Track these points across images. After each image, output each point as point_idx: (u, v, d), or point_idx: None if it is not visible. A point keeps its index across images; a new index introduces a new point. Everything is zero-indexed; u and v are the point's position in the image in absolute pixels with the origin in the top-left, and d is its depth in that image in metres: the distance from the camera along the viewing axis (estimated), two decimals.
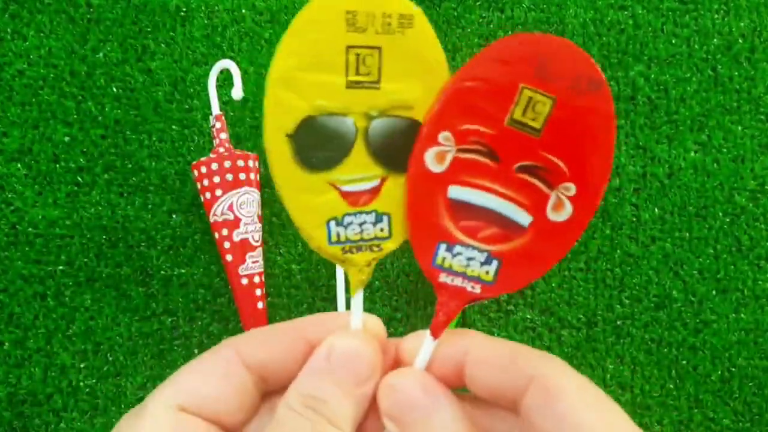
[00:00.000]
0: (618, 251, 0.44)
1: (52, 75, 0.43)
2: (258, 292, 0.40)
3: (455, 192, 0.23)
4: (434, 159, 0.23)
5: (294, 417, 0.21)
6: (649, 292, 0.43)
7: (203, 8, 0.44)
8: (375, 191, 0.23)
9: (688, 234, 0.44)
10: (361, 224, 0.23)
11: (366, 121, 0.22)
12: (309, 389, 0.22)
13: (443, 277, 0.23)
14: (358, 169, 0.23)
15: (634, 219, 0.44)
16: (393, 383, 0.22)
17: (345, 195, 0.23)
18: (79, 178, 0.42)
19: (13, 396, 0.41)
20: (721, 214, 0.44)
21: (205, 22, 0.44)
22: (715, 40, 0.45)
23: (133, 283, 0.42)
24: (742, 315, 0.43)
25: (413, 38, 0.22)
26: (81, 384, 0.41)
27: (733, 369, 0.43)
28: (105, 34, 0.43)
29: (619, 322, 0.43)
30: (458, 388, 0.23)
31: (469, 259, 0.23)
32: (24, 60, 0.43)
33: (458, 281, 0.23)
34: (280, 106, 0.22)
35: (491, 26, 0.44)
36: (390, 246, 0.23)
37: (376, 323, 0.24)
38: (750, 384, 0.43)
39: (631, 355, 0.43)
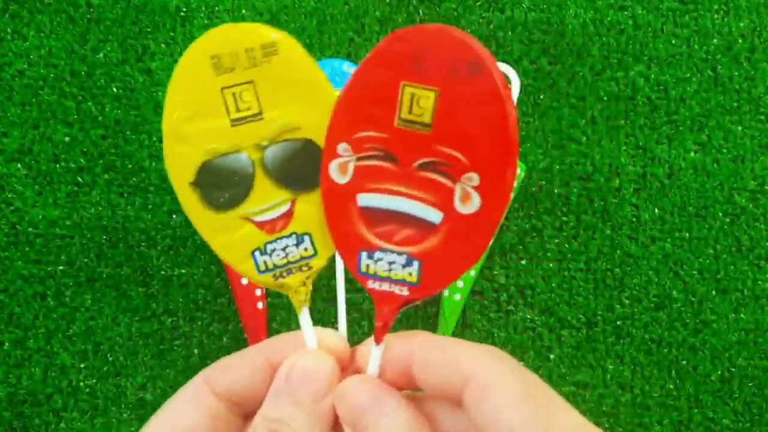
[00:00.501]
0: (618, 251, 0.44)
1: (52, 75, 0.43)
2: (258, 292, 0.40)
3: (364, 200, 0.24)
4: (338, 171, 0.23)
5: None
6: (649, 292, 0.43)
7: (203, 8, 0.44)
8: (288, 215, 0.24)
9: (688, 234, 0.44)
10: (284, 249, 0.24)
11: (259, 152, 0.23)
12: (271, 412, 0.23)
13: (371, 284, 0.24)
14: (266, 199, 0.24)
15: (634, 219, 0.44)
16: (343, 391, 0.23)
17: (260, 225, 0.24)
18: (80, 178, 0.42)
19: (13, 396, 0.41)
20: (721, 214, 0.44)
21: (206, 22, 0.44)
22: (715, 40, 0.45)
23: (133, 284, 0.42)
24: (742, 315, 0.43)
25: (282, 63, 0.23)
26: (81, 384, 0.41)
27: (733, 369, 0.43)
28: (105, 35, 0.43)
29: (619, 323, 0.43)
30: (413, 389, 0.24)
31: (390, 263, 0.24)
32: (24, 60, 0.43)
33: (386, 286, 0.24)
34: (176, 158, 0.23)
35: (491, 26, 0.44)
36: (318, 263, 0.24)
37: (333, 338, 0.24)
38: (750, 384, 0.43)
39: (631, 356, 0.43)
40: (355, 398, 0.23)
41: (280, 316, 0.42)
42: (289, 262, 0.24)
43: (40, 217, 0.42)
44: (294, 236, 0.24)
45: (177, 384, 0.41)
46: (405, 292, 0.24)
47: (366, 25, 0.44)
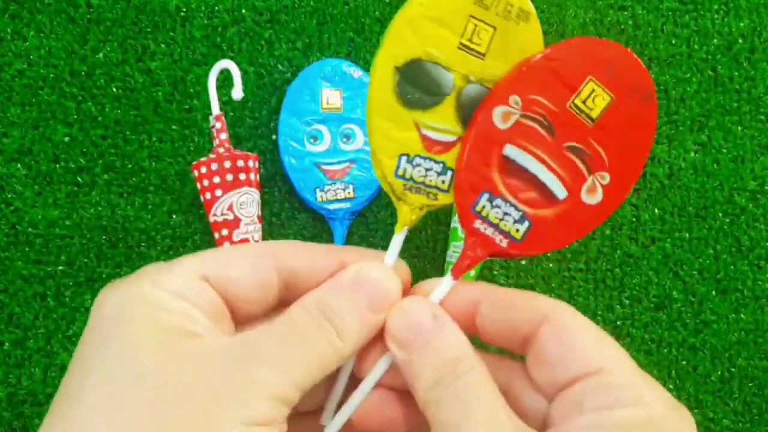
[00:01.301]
0: (618, 252, 0.44)
1: (52, 75, 0.43)
2: (408, 271, 0.40)
3: (510, 151, 0.26)
4: (501, 117, 0.25)
5: (306, 318, 0.22)
6: (649, 292, 0.43)
7: (203, 8, 0.44)
8: (450, 145, 0.26)
9: (687, 234, 0.44)
10: (427, 169, 0.26)
11: (464, 81, 0.25)
12: (328, 299, 0.23)
13: (478, 224, 0.26)
14: (443, 120, 0.26)
15: (634, 219, 0.44)
16: (405, 306, 0.23)
17: (424, 138, 0.25)
18: (79, 179, 0.42)
19: (13, 396, 0.41)
20: (720, 214, 0.44)
21: (205, 22, 0.44)
22: (715, 40, 0.45)
23: None
24: (742, 315, 0.43)
25: (524, 31, 0.25)
26: None
27: (733, 369, 0.43)
28: (105, 35, 0.43)
29: (619, 323, 0.43)
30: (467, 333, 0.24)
31: (506, 213, 0.26)
32: (24, 60, 0.43)
33: (490, 231, 0.26)
34: (400, 40, 0.25)
35: None
36: (445, 199, 0.26)
37: (405, 269, 0.25)
38: (750, 384, 0.43)
39: (631, 356, 0.43)
40: (418, 314, 0.23)
41: None
42: (424, 183, 0.25)
43: (40, 217, 0.42)
44: (442, 165, 0.26)
45: None
46: (504, 243, 0.26)
47: (366, 25, 0.44)
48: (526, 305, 0.23)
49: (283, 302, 0.24)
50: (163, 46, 0.43)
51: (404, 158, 0.25)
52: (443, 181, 0.26)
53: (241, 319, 0.23)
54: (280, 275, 0.23)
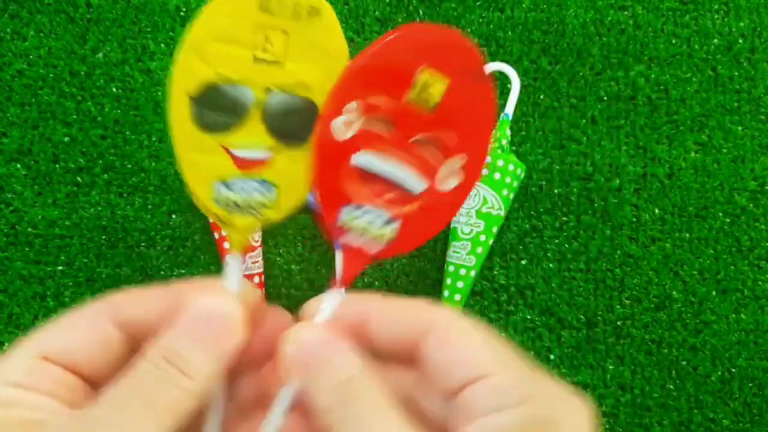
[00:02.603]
0: (618, 252, 0.43)
1: (51, 75, 0.43)
2: (258, 293, 0.40)
3: (358, 159, 0.25)
4: (340, 128, 0.25)
5: (149, 367, 0.22)
6: (649, 292, 0.43)
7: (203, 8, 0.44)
8: (266, 162, 0.25)
9: (688, 234, 0.44)
10: (247, 189, 0.25)
11: (265, 93, 0.24)
12: (168, 342, 0.23)
13: (346, 238, 0.26)
14: (251, 137, 0.25)
15: (635, 219, 0.44)
16: (294, 333, 0.23)
17: (236, 160, 0.25)
18: (79, 179, 0.42)
19: None
20: (721, 214, 0.44)
21: None
22: (715, 40, 0.45)
23: (133, 284, 0.42)
24: (743, 315, 0.43)
25: (319, 28, 0.24)
26: None
27: (734, 370, 0.43)
28: (105, 35, 0.43)
29: (619, 323, 0.43)
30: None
31: (371, 221, 0.26)
32: (24, 60, 0.43)
33: (360, 241, 0.26)
34: (187, 70, 0.24)
35: (491, 26, 0.44)
36: (272, 215, 0.25)
37: (251, 290, 0.25)
38: (750, 385, 0.43)
39: (631, 356, 0.43)
40: (307, 340, 0.23)
41: None
42: (248, 204, 0.25)
43: (40, 217, 0.42)
44: (264, 183, 0.25)
45: None
46: (375, 249, 0.26)
47: (366, 25, 0.44)
48: (411, 317, 0.23)
49: (135, 351, 0.24)
50: (162, 46, 0.43)
51: (220, 184, 0.24)
52: (268, 198, 0.25)
53: (98, 382, 0.23)
54: (123, 329, 0.23)
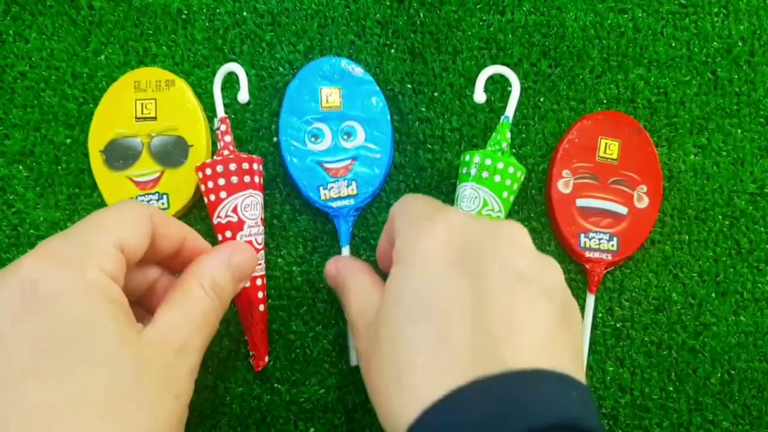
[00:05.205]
0: None
1: (53, 77, 0.43)
2: (260, 294, 0.40)
3: (580, 202, 0.42)
4: (563, 186, 0.42)
5: (204, 296, 0.30)
6: (649, 294, 0.44)
7: (205, 11, 0.44)
8: (157, 180, 0.40)
9: (687, 237, 0.44)
10: (149, 200, 0.40)
11: (149, 138, 0.41)
12: (218, 278, 0.31)
13: (588, 254, 0.41)
14: (145, 168, 0.41)
15: None
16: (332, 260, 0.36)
17: (138, 184, 0.40)
18: (81, 181, 0.42)
19: None
20: (720, 217, 0.44)
21: (207, 24, 0.44)
22: (714, 43, 0.45)
23: None
24: (742, 318, 0.44)
25: (174, 92, 0.41)
26: None
27: (733, 372, 0.43)
28: (107, 37, 0.43)
29: (618, 325, 0.43)
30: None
31: (600, 239, 0.41)
32: (26, 62, 0.43)
33: (596, 254, 0.41)
34: (96, 133, 0.41)
35: (491, 29, 0.45)
36: (169, 213, 0.40)
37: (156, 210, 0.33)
38: (750, 387, 0.43)
39: (630, 358, 0.43)
40: (343, 264, 0.35)
41: (280, 319, 0.42)
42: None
43: (42, 219, 0.42)
44: (157, 194, 0.40)
45: None
46: (609, 257, 0.41)
47: (367, 28, 0.44)
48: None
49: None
50: (164, 48, 0.44)
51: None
52: (163, 203, 0.40)
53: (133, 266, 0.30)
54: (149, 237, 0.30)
